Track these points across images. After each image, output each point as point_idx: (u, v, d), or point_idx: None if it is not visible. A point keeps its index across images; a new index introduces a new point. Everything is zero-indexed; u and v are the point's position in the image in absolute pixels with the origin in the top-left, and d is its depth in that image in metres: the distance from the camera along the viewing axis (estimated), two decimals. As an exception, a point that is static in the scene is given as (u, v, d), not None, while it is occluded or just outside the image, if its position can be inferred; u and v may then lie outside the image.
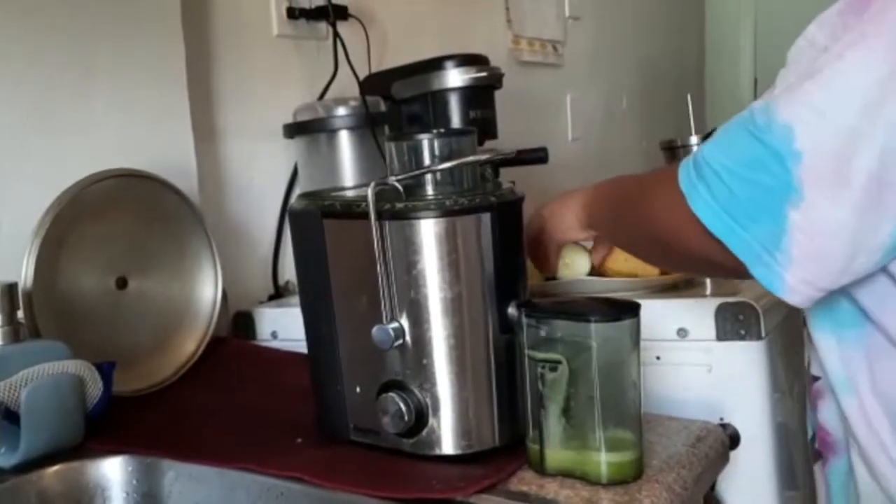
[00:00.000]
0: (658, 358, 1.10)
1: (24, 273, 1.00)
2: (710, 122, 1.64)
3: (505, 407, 0.85)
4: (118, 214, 1.12)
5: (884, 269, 0.73)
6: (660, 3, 3.29)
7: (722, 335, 1.08)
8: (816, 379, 0.87)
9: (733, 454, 0.96)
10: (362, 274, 0.84)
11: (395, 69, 1.49)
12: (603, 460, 0.78)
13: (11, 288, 0.93)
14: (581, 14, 2.60)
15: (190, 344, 1.18)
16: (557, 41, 2.49)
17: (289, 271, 1.51)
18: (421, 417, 0.84)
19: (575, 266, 1.16)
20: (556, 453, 0.80)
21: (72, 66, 1.17)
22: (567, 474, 0.80)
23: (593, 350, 0.77)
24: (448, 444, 0.84)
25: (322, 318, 0.90)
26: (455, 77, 1.36)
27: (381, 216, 0.82)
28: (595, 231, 1.03)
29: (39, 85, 1.14)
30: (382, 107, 1.44)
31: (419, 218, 0.81)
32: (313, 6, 1.56)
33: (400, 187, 0.83)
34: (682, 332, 1.09)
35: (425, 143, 0.85)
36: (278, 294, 1.50)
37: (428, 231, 0.81)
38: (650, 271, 1.14)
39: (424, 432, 0.84)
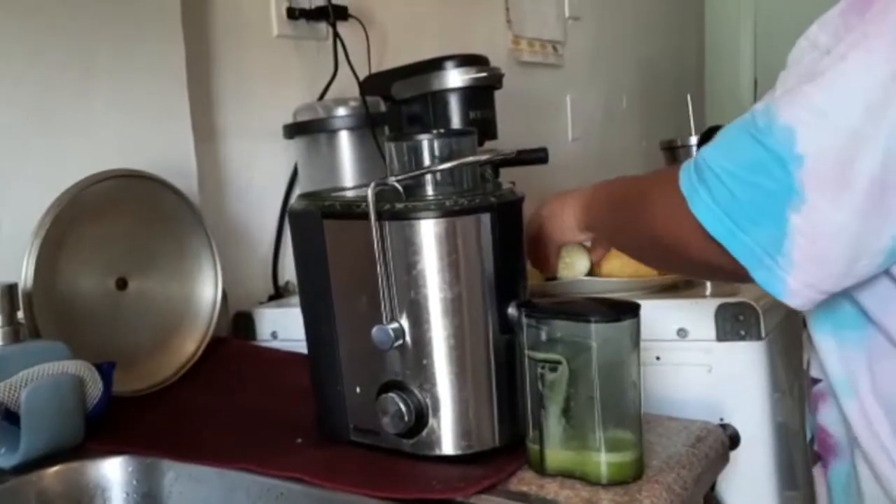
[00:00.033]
0: (658, 358, 1.10)
1: (24, 273, 1.00)
2: (709, 122, 1.64)
3: (505, 407, 0.85)
4: (118, 215, 1.12)
5: (886, 272, 0.73)
6: (660, 3, 3.29)
7: (722, 335, 1.08)
8: (816, 381, 0.86)
9: (733, 454, 0.96)
10: (362, 274, 0.84)
11: (395, 69, 1.49)
12: (603, 460, 0.78)
13: (11, 288, 0.93)
14: (581, 14, 2.60)
15: (190, 344, 1.18)
16: (557, 41, 2.49)
17: (289, 272, 1.51)
18: (421, 418, 0.84)
19: (575, 266, 1.16)
20: (556, 453, 0.80)
21: (72, 66, 1.17)
22: (567, 475, 0.80)
23: (593, 350, 0.77)
24: (448, 445, 0.84)
25: (322, 319, 0.90)
26: (455, 77, 1.36)
27: (381, 216, 0.82)
28: (594, 232, 1.02)
29: (39, 85, 1.14)
30: (382, 107, 1.44)
31: (419, 218, 0.81)
32: (313, 6, 1.56)
33: (400, 188, 0.83)
34: (682, 333, 1.09)
35: (425, 144, 0.85)
36: (278, 294, 1.50)
37: (428, 231, 0.81)
38: (646, 272, 1.14)
39: (424, 433, 0.84)
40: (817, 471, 0.89)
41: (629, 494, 0.77)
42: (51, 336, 0.99)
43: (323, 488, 0.81)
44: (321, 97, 1.55)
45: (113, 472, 0.89)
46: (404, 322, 0.83)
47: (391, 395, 0.84)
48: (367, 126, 1.39)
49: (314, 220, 0.89)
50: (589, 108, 2.65)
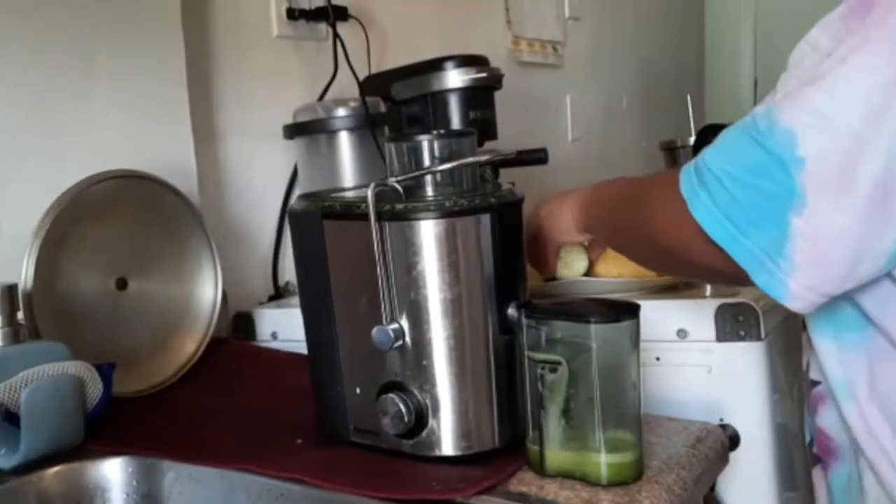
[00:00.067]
0: (658, 359, 1.10)
1: (24, 274, 1.00)
2: (709, 122, 1.64)
3: (505, 408, 0.85)
4: (118, 215, 1.12)
5: (888, 274, 0.73)
6: (660, 3, 3.29)
7: (722, 336, 1.08)
8: (816, 383, 0.86)
9: (733, 455, 0.96)
10: (362, 275, 0.84)
11: (394, 70, 1.49)
12: (603, 461, 0.78)
13: (11, 289, 0.93)
14: (581, 15, 2.60)
15: (190, 345, 1.18)
16: (557, 42, 2.49)
17: (289, 272, 1.51)
18: (421, 418, 0.84)
19: (573, 265, 1.16)
20: (556, 454, 0.80)
21: (72, 67, 1.17)
22: (567, 475, 0.80)
23: (593, 351, 0.77)
24: (448, 445, 0.84)
25: (322, 319, 0.90)
26: (455, 78, 1.37)
27: (380, 217, 0.82)
28: (592, 234, 1.02)
29: (39, 85, 1.14)
30: (382, 108, 1.44)
31: (419, 219, 0.81)
32: (313, 7, 1.56)
33: (400, 188, 0.83)
34: (681, 333, 1.09)
35: (425, 144, 0.85)
36: (278, 295, 1.50)
37: (428, 232, 0.81)
38: (646, 272, 1.14)
39: (424, 433, 0.84)
40: (817, 473, 0.89)
41: (629, 495, 0.77)
42: (51, 337, 0.99)
43: (323, 489, 0.81)
44: (321, 98, 1.55)
45: (113, 472, 0.89)
46: (404, 323, 0.83)
47: (391, 395, 0.84)
48: (367, 126, 1.39)
49: (314, 220, 0.89)
50: (589, 109, 2.65)
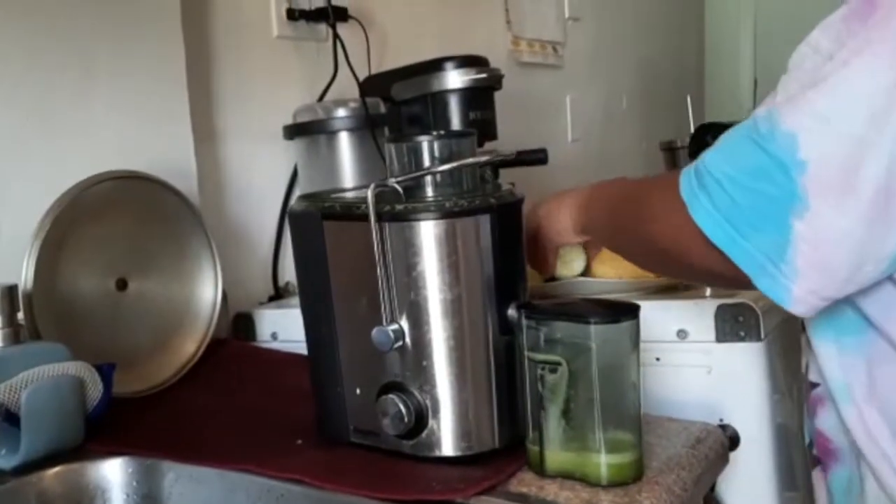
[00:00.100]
0: (658, 359, 1.10)
1: (24, 275, 1.00)
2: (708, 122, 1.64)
3: (505, 408, 0.85)
4: (118, 216, 1.12)
5: (889, 277, 0.73)
6: (660, 3, 3.29)
7: (721, 336, 1.08)
8: (815, 385, 0.86)
9: (733, 455, 0.96)
10: (362, 276, 0.84)
11: (394, 70, 1.49)
12: (603, 462, 0.78)
13: (12, 290, 0.93)
14: (581, 15, 2.60)
15: (190, 345, 1.18)
16: (557, 42, 2.49)
17: (289, 272, 1.51)
18: (421, 419, 0.84)
19: (572, 265, 1.16)
20: (556, 455, 0.80)
21: (71, 67, 1.17)
22: (567, 476, 0.80)
23: (593, 352, 0.77)
24: (448, 446, 0.84)
25: (322, 320, 0.90)
26: (455, 78, 1.37)
27: (380, 218, 0.82)
28: (590, 235, 1.02)
29: (39, 86, 1.14)
30: (382, 108, 1.44)
31: (419, 220, 0.81)
32: (313, 7, 1.56)
33: (400, 189, 0.83)
34: (681, 334, 1.09)
35: (425, 145, 0.85)
36: (278, 295, 1.50)
37: (428, 233, 0.81)
38: (640, 273, 1.14)
39: (424, 434, 0.84)
40: (816, 475, 0.89)
41: (629, 496, 0.77)
42: (51, 337, 0.99)
43: (323, 489, 0.81)
44: (321, 98, 1.55)
45: (113, 473, 0.89)
46: (404, 323, 0.83)
47: (391, 396, 0.84)
48: (367, 127, 1.39)
49: (314, 221, 0.89)
50: (589, 109, 2.65)
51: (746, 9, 3.80)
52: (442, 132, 0.91)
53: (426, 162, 0.85)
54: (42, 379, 0.89)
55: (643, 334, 0.80)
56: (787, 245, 0.69)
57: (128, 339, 1.12)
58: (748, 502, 1.10)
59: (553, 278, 1.16)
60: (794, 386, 1.18)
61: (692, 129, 1.79)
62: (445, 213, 0.81)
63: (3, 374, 0.87)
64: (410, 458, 0.85)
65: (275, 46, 1.54)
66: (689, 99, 1.84)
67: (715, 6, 3.82)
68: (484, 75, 1.38)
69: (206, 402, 1.11)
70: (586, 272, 1.17)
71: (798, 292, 0.71)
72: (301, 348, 0.98)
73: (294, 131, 1.45)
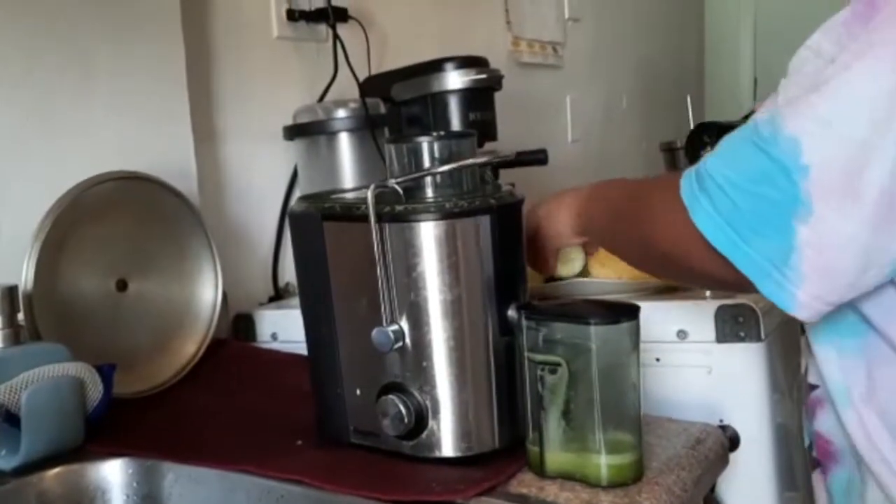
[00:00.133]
0: (658, 360, 1.10)
1: (24, 276, 1.00)
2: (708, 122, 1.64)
3: (505, 409, 0.85)
4: (118, 216, 1.12)
5: (891, 281, 0.72)
6: (660, 3, 3.30)
7: (721, 337, 1.08)
8: (814, 387, 0.86)
9: (733, 456, 0.96)
10: (362, 276, 0.84)
11: (394, 71, 1.49)
12: (603, 462, 0.78)
13: (12, 290, 0.93)
14: (580, 15, 2.60)
15: (190, 346, 1.18)
16: (557, 42, 2.49)
17: (289, 273, 1.51)
18: (421, 420, 0.84)
19: (571, 264, 1.16)
20: (556, 455, 0.80)
21: (71, 68, 1.17)
22: (567, 477, 0.80)
23: (593, 352, 0.77)
24: (448, 447, 0.84)
25: (322, 321, 0.90)
26: (455, 79, 1.37)
27: (380, 219, 0.82)
28: (590, 237, 1.01)
29: (39, 86, 1.14)
30: (382, 109, 1.44)
31: (419, 220, 0.81)
32: (313, 8, 1.56)
33: (400, 190, 0.83)
34: (681, 334, 1.09)
35: (425, 146, 0.85)
36: (278, 296, 1.50)
37: (428, 234, 0.81)
38: (640, 274, 1.14)
39: (424, 435, 0.84)
40: (816, 477, 0.89)
41: (629, 496, 0.77)
42: (51, 338, 0.99)
43: (323, 490, 0.81)
44: (321, 99, 1.55)
45: (113, 473, 0.89)
46: (404, 324, 0.83)
47: (391, 397, 0.84)
48: (367, 128, 1.39)
49: (314, 222, 0.89)
50: (589, 109, 2.65)
51: (746, 9, 3.80)
52: (442, 133, 0.91)
53: (426, 163, 0.85)
54: (42, 380, 0.89)
55: (643, 335, 0.80)
56: (791, 250, 0.69)
57: (128, 340, 1.12)
58: (748, 503, 1.10)
59: (553, 278, 1.16)
60: (794, 386, 1.18)
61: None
62: (445, 214, 0.81)
63: (4, 374, 0.87)
64: (410, 459, 0.85)
65: (275, 47, 1.54)
66: (689, 99, 1.84)
67: (715, 6, 3.83)
68: (484, 76, 1.38)
69: (207, 402, 1.11)
70: (584, 273, 1.17)
71: (803, 297, 0.70)
72: (301, 349, 0.98)
73: (294, 132, 1.45)
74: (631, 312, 0.79)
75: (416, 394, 0.83)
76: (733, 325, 1.07)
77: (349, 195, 0.95)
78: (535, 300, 0.87)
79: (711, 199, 0.72)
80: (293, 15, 1.54)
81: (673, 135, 1.97)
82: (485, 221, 0.83)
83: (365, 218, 0.82)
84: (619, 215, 0.92)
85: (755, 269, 0.71)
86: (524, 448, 0.83)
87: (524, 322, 0.81)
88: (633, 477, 0.79)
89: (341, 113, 1.42)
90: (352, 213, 0.86)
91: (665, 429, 0.91)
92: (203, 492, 0.86)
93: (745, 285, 0.73)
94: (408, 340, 0.83)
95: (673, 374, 1.10)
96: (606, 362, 0.77)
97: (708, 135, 1.46)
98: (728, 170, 0.72)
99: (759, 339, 1.07)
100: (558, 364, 0.79)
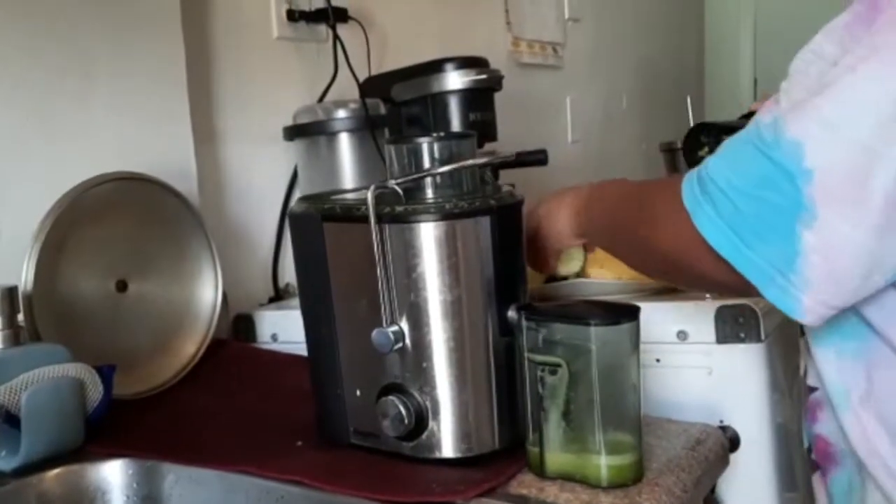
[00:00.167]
0: (658, 360, 1.10)
1: (24, 276, 1.00)
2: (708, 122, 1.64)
3: (505, 410, 0.85)
4: (118, 217, 1.12)
5: (893, 284, 0.72)
6: (660, 3, 3.30)
7: (722, 338, 1.08)
8: (813, 389, 0.86)
9: (733, 456, 0.96)
10: (362, 277, 0.84)
11: (394, 71, 1.49)
12: (603, 463, 0.78)
13: (12, 291, 0.93)
14: (580, 16, 2.60)
15: (190, 346, 1.18)
16: (557, 43, 2.49)
17: (289, 274, 1.51)
18: (421, 421, 0.84)
19: (570, 263, 1.16)
20: (556, 456, 0.80)
21: (71, 69, 1.17)
22: (567, 477, 0.80)
23: (593, 353, 0.77)
24: (448, 448, 0.84)
25: (322, 321, 0.90)
26: (455, 79, 1.37)
27: (380, 219, 0.82)
28: (589, 239, 1.01)
29: (39, 87, 1.14)
30: (382, 109, 1.44)
31: (419, 221, 0.81)
32: (313, 8, 1.56)
33: (399, 190, 0.83)
34: (681, 335, 1.09)
35: (425, 147, 0.85)
36: (278, 297, 1.50)
37: (428, 234, 0.81)
38: (635, 274, 1.13)
39: (424, 435, 0.84)
40: (816, 479, 0.88)
41: (629, 497, 0.77)
42: (51, 339, 0.99)
43: (323, 491, 0.81)
44: (321, 99, 1.55)
45: (113, 474, 0.89)
46: (404, 325, 0.83)
47: (391, 397, 0.84)
48: (367, 128, 1.39)
49: (314, 222, 0.89)
50: (589, 110, 2.65)
51: (746, 9, 3.80)
52: (442, 133, 0.91)
53: (426, 163, 0.85)
54: (42, 380, 0.89)
55: (643, 335, 0.80)
56: (795, 255, 0.68)
57: (128, 341, 1.12)
58: (748, 503, 1.10)
59: (553, 278, 1.16)
60: (794, 386, 1.18)
61: (691, 130, 1.79)
62: (445, 215, 0.81)
63: (3, 375, 0.87)
64: (410, 460, 0.85)
65: (275, 47, 1.54)
66: (689, 99, 1.84)
67: (715, 6, 3.83)
68: (484, 76, 1.38)
69: (207, 403, 1.11)
70: (582, 273, 1.17)
71: (808, 302, 0.70)
72: (301, 349, 0.98)
73: (294, 132, 1.45)
74: (631, 313, 0.79)
75: (416, 395, 0.83)
76: (733, 326, 1.07)
77: (349, 196, 0.95)
78: (535, 300, 0.87)
79: (714, 202, 0.72)
80: (293, 15, 1.54)
81: (673, 135, 1.97)
82: (485, 222, 0.83)
83: (365, 219, 0.82)
84: (619, 219, 0.91)
85: (759, 275, 0.71)
86: (524, 449, 0.83)
87: (524, 323, 0.81)
88: (633, 478, 0.79)
89: (341, 113, 1.42)
90: (352, 214, 0.86)
91: (665, 429, 0.91)
92: (203, 492, 0.86)
93: (747, 289, 0.72)
94: (408, 341, 0.83)
95: (673, 374, 1.10)
96: (606, 363, 0.77)
97: (705, 135, 1.46)
98: (730, 173, 0.71)
99: (759, 340, 1.07)
100: (558, 365, 0.79)
